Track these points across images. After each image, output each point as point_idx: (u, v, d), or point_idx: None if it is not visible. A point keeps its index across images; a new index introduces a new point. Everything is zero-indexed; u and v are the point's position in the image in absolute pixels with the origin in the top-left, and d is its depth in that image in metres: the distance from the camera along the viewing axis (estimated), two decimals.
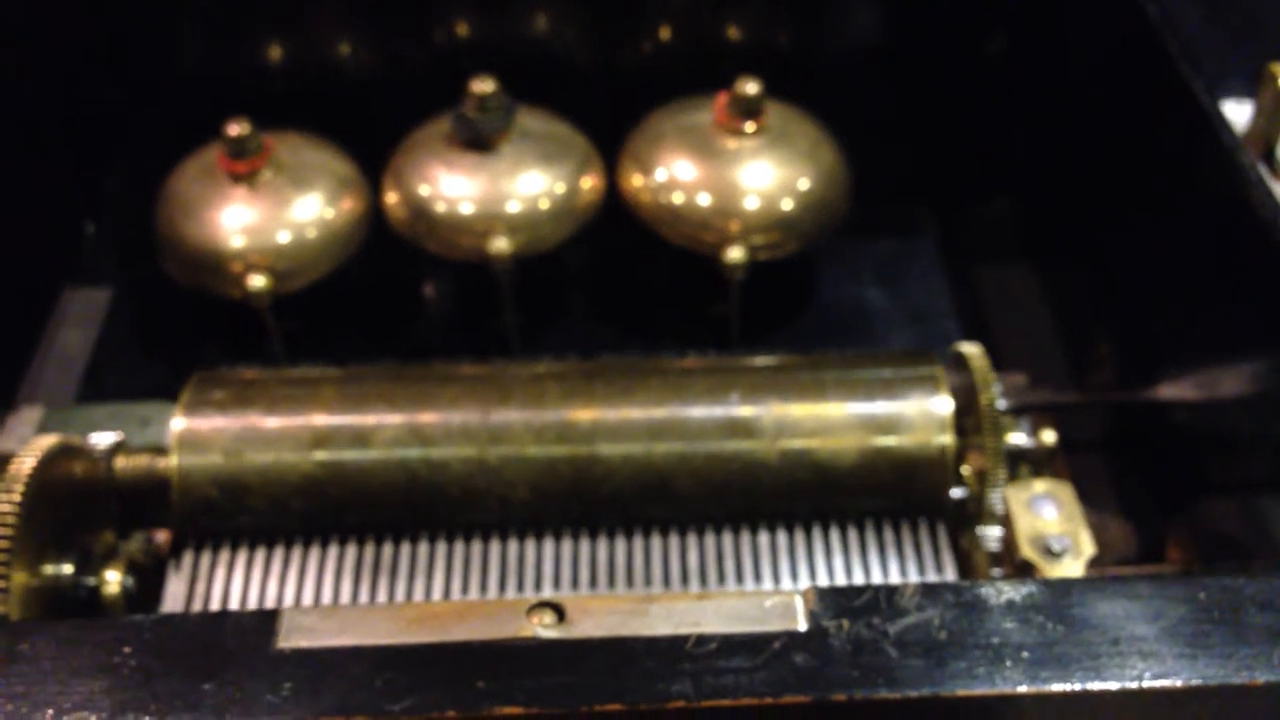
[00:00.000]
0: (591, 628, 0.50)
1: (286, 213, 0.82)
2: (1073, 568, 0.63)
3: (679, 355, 0.76)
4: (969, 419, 0.71)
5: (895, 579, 0.73)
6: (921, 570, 0.73)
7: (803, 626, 0.50)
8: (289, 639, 0.49)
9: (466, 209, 0.83)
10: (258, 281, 0.83)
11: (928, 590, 0.50)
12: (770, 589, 0.72)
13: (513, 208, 0.83)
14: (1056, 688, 0.47)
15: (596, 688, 0.48)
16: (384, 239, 0.85)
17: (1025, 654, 0.48)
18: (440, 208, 0.83)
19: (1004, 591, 0.50)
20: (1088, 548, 0.64)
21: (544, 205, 0.83)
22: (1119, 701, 0.48)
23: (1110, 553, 0.76)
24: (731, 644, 0.49)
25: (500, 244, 0.82)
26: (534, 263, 0.84)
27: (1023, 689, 0.48)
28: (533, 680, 0.48)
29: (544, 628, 0.49)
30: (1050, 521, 0.65)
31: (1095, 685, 0.48)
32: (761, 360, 0.78)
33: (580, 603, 0.50)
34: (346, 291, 0.87)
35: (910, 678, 0.48)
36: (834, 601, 0.50)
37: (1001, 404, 0.72)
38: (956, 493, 0.70)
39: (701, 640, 0.49)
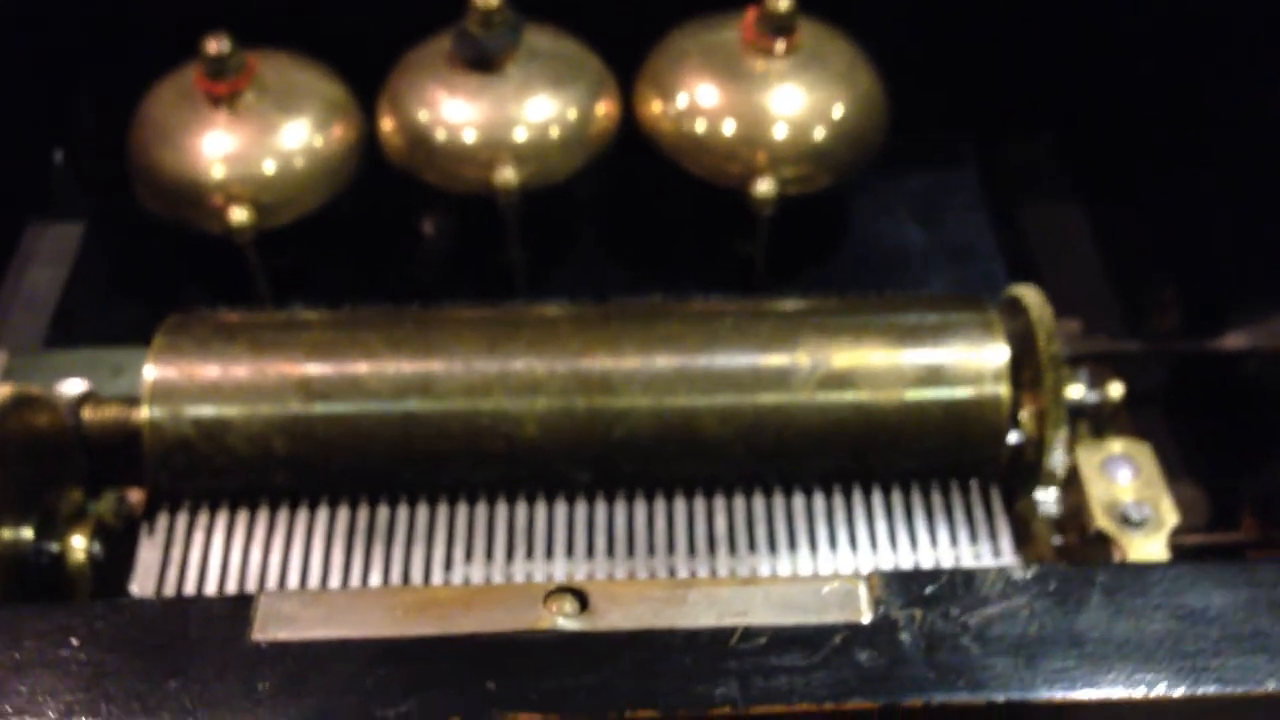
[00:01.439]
0: (619, 618, 0.41)
1: (271, 140, 0.75)
2: (1154, 541, 0.55)
3: (702, 297, 0.70)
4: (1025, 370, 0.64)
5: (944, 547, 0.65)
6: (974, 537, 0.65)
7: (867, 618, 0.42)
8: (265, 630, 0.41)
9: (469, 136, 0.75)
10: (240, 215, 0.74)
11: (1013, 575, 0.42)
12: (813, 566, 0.64)
13: (519, 135, 0.75)
14: (1170, 691, 0.39)
15: (625, 690, 0.40)
16: (379, 169, 0.78)
17: (1131, 651, 0.40)
18: (440, 135, 0.76)
19: (1103, 577, 0.42)
20: (1170, 517, 0.56)
21: (554, 133, 0.76)
22: (1241, 708, 0.40)
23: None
24: (784, 638, 0.41)
25: (506, 175, 0.74)
26: (542, 196, 0.77)
27: (1130, 693, 0.39)
28: (551, 681, 0.40)
29: (564, 618, 0.41)
30: (1127, 487, 0.57)
31: (1214, 689, 0.39)
32: (795, 302, 0.69)
33: (606, 588, 0.42)
34: (338, 227, 0.80)
35: (996, 679, 0.40)
36: (903, 587, 0.42)
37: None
38: (1013, 446, 0.63)
39: (749, 634, 0.41)
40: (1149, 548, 0.55)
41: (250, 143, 0.74)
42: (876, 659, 0.40)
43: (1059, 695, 0.39)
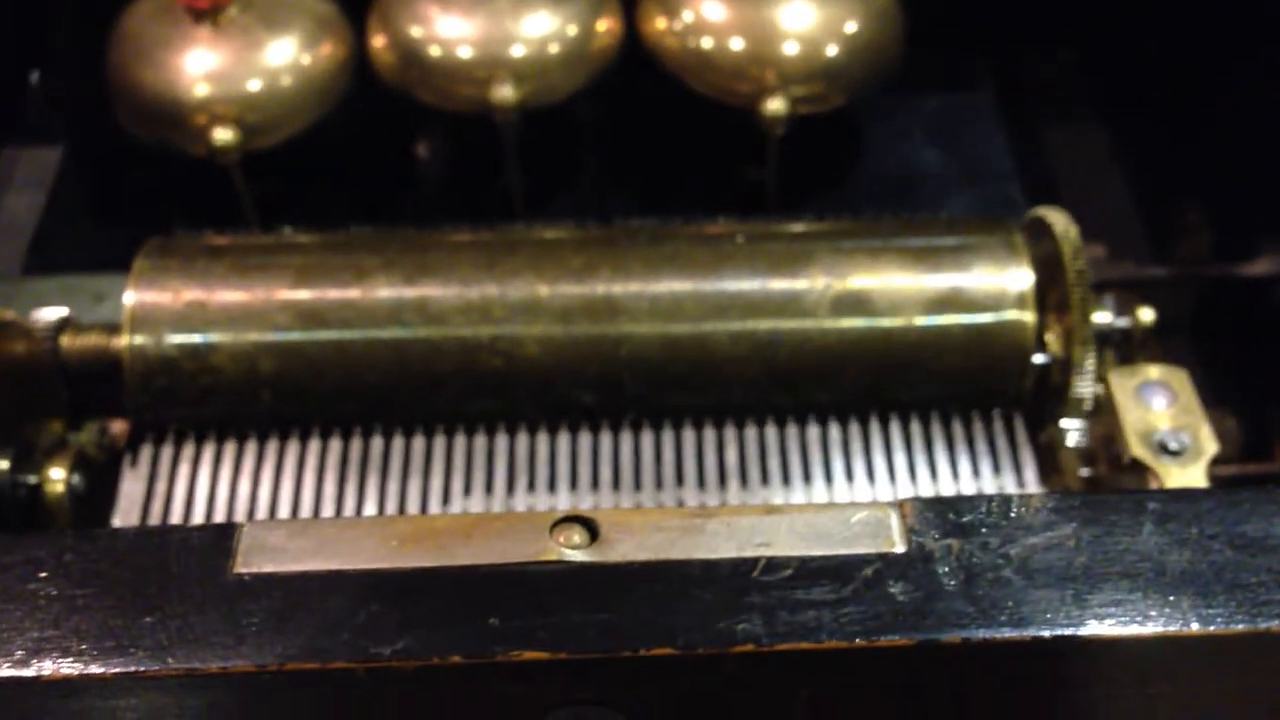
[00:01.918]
0: (633, 549, 0.38)
1: (257, 57, 0.70)
2: (1193, 470, 0.52)
3: (710, 221, 0.67)
4: (1050, 295, 0.61)
5: (966, 479, 0.62)
6: (997, 469, 0.62)
7: (900, 548, 0.38)
8: (249, 562, 0.38)
9: (465, 53, 0.72)
10: (224, 135, 0.70)
11: (1059, 501, 0.38)
12: (828, 499, 0.60)
13: (517, 52, 0.71)
14: (1230, 626, 0.36)
15: (639, 626, 0.36)
16: (370, 88, 0.74)
17: (1188, 582, 0.37)
18: (434, 51, 0.72)
19: (1155, 503, 0.38)
20: (1209, 445, 0.53)
21: (553, 49, 0.72)
22: None
23: None
24: (811, 570, 0.37)
25: (504, 93, 0.70)
26: (542, 116, 0.74)
27: (1187, 628, 0.36)
28: (558, 616, 0.36)
29: (572, 549, 0.38)
30: (1164, 414, 0.53)
31: (1278, 624, 0.36)
32: (808, 224, 0.66)
33: (617, 517, 0.38)
34: (328, 150, 0.75)
35: (1041, 614, 0.36)
36: (939, 516, 0.38)
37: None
38: (1037, 372, 0.60)
39: (773, 565, 0.38)
40: (1187, 478, 0.52)
41: (234, 60, 0.70)
42: (911, 592, 0.37)
43: (1109, 631, 0.36)
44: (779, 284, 0.62)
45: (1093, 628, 0.36)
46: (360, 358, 0.60)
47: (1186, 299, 0.72)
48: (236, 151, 0.71)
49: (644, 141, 0.83)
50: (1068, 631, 0.36)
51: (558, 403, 0.62)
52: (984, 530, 0.38)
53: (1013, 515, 0.38)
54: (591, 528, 0.39)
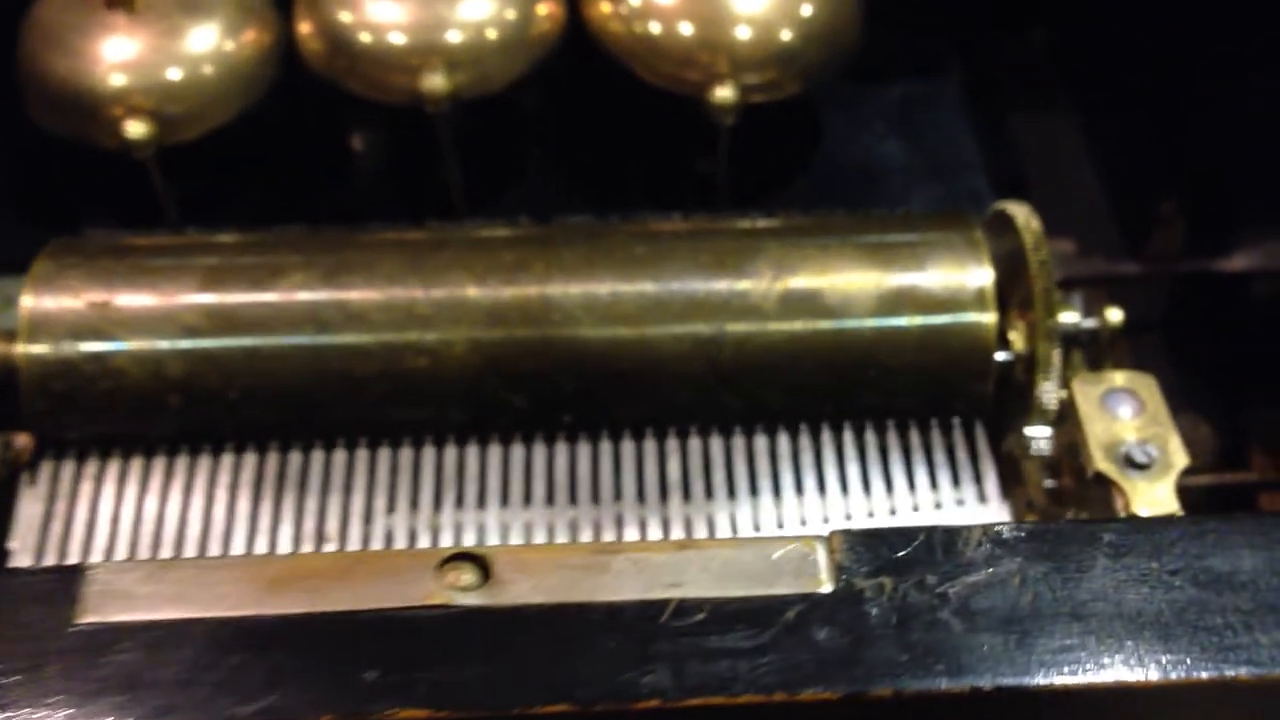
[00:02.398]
0: (529, 590, 0.34)
1: (175, 44, 0.66)
2: (1160, 485, 0.48)
3: (658, 217, 0.64)
4: (1013, 294, 0.58)
5: (923, 490, 0.58)
6: (956, 480, 0.58)
7: (827, 587, 0.34)
8: (98, 609, 0.33)
9: (395, 39, 0.67)
10: (137, 128, 0.66)
11: (1002, 533, 0.34)
12: (776, 515, 0.57)
13: (452, 38, 0.67)
14: (1192, 673, 0.32)
15: (534, 680, 0.32)
16: (299, 78, 0.69)
17: (1147, 624, 0.32)
18: (364, 38, 0.67)
19: (1110, 535, 0.34)
20: (1179, 458, 0.48)
21: (490, 35, 0.67)
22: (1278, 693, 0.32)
23: None
24: (726, 613, 0.33)
25: (436, 82, 0.66)
26: (480, 107, 0.69)
27: (1144, 676, 0.32)
28: (444, 669, 0.32)
29: (461, 591, 0.33)
30: (1130, 424, 0.49)
31: (1245, 671, 0.32)
32: (757, 220, 0.63)
33: (512, 555, 0.34)
34: (254, 144, 0.72)
35: (982, 661, 0.32)
36: (871, 550, 0.34)
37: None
38: (998, 377, 0.57)
39: (684, 608, 0.33)
40: (1155, 493, 0.48)
41: (151, 47, 0.66)
42: (838, 638, 0.33)
43: (1058, 680, 0.32)
44: (723, 280, 0.59)
45: (1040, 677, 0.32)
46: (275, 362, 0.56)
47: (1159, 297, 0.68)
48: (152, 145, 0.66)
49: (590, 133, 0.78)
50: (1012, 681, 0.32)
51: (488, 406, 0.58)
52: (920, 567, 0.34)
53: (952, 549, 0.34)
54: (484, 566, 0.34)
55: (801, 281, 0.58)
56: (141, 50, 0.66)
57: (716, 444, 0.58)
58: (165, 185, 0.69)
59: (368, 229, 0.63)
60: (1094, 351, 0.58)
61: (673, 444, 0.58)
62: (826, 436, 0.59)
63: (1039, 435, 0.57)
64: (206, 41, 0.67)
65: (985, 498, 0.57)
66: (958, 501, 0.57)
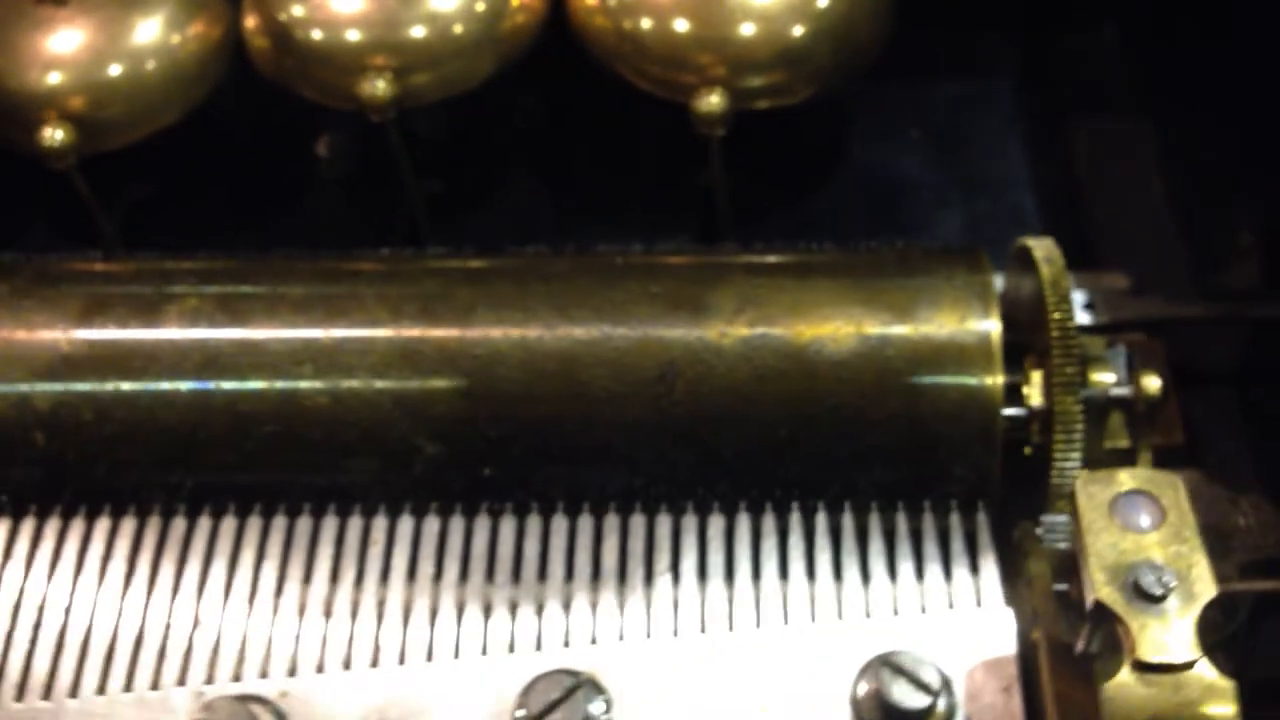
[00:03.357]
0: None
1: (110, 40, 0.60)
2: (1180, 625, 0.36)
3: (642, 246, 0.56)
4: (1034, 344, 0.49)
5: (906, 583, 0.47)
6: (947, 573, 0.48)
7: None
8: None
9: (351, 36, 0.60)
10: (55, 134, 0.59)
11: None
12: (726, 606, 0.47)
13: (414, 33, 0.59)
14: None
15: None
16: (251, 79, 0.63)
17: None
18: (313, 36, 0.60)
19: None
20: (1205, 588, 0.37)
21: (456, 31, 0.60)
22: None
23: (1244, 542, 0.50)
24: None
25: (377, 87, 0.58)
26: (447, 114, 0.65)
27: None
28: None
29: None
30: (1146, 539, 0.38)
31: None
32: (728, 254, 0.55)
33: None
34: (205, 151, 0.66)
35: None
36: None
37: (1082, 318, 0.52)
38: (1005, 451, 0.49)
39: None
40: (1171, 634, 0.36)
41: (83, 44, 0.60)
42: None
43: None
44: (677, 316, 0.50)
45: None
46: (155, 405, 0.50)
47: (1231, 345, 0.57)
48: (73, 152, 0.60)
49: (572, 142, 0.70)
50: None
51: (396, 452, 0.49)
52: None
53: None
54: None
55: (768, 319, 0.50)
56: (72, 46, 0.60)
57: (664, 522, 0.49)
58: (105, 197, 0.63)
59: (323, 252, 0.56)
60: (1132, 419, 0.47)
61: (611, 520, 0.49)
62: (794, 514, 0.49)
63: (1055, 525, 0.46)
64: (147, 35, 0.61)
65: (981, 600, 0.46)
66: (947, 601, 0.46)
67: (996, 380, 0.48)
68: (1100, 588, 0.38)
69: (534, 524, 0.49)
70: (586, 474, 0.50)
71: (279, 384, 0.50)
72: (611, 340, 0.50)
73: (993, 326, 0.48)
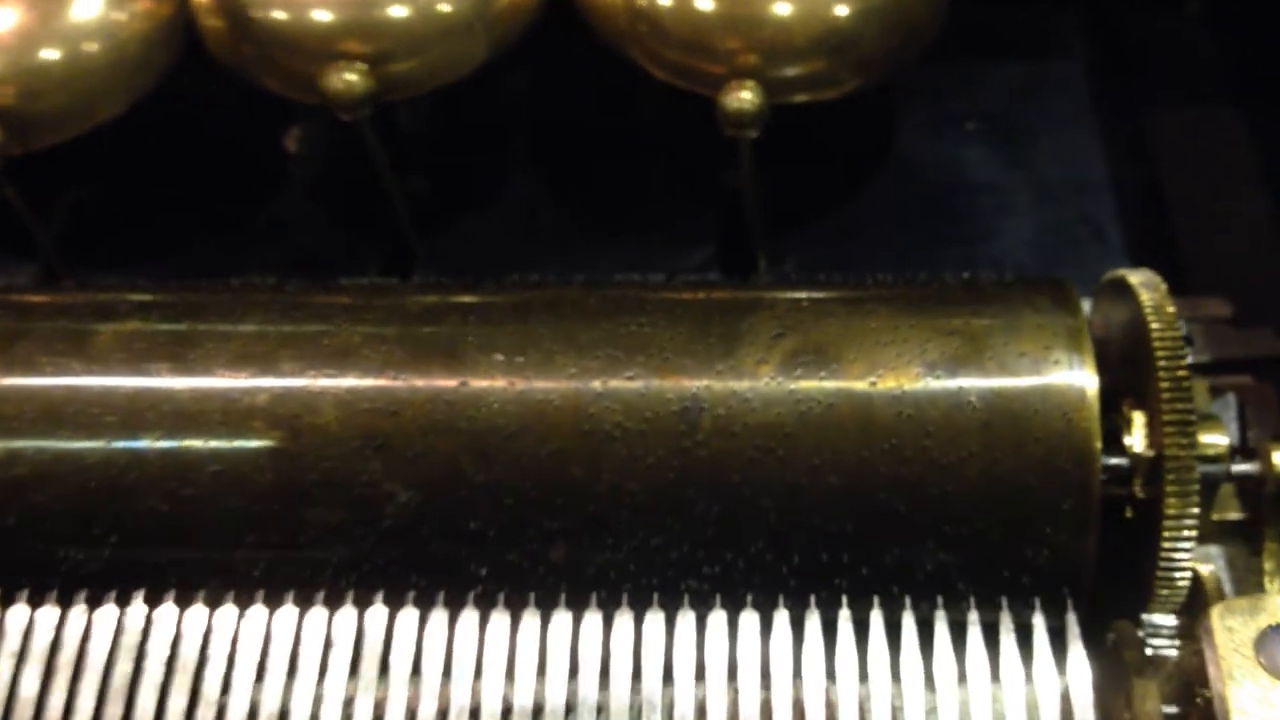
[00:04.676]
0: None
1: (42, 21, 0.54)
2: None
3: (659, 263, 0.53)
4: (1129, 388, 0.42)
5: (978, 688, 0.39)
6: (1028, 676, 0.39)
7: None
8: None
9: (319, 17, 0.52)
10: None
11: None
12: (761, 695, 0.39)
13: (392, 14, 0.52)
14: None
15: None
16: (208, 63, 0.56)
17: None
18: (274, 17, 0.53)
19: None
20: None
21: (441, 11, 0.53)
22: None
23: None
24: None
25: (352, 81, 0.52)
26: (433, 105, 0.59)
27: None
28: None
29: None
30: None
31: None
32: (766, 291, 0.46)
33: None
34: (155, 149, 0.60)
35: None
36: None
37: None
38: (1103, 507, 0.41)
39: None
40: None
41: (14, 24, 0.54)
42: None
43: None
44: (706, 341, 0.43)
45: None
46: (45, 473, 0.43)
47: None
48: None
49: (585, 140, 0.62)
50: None
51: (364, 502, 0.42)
52: None
53: None
54: None
55: (814, 347, 0.42)
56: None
57: (681, 623, 0.40)
58: (39, 204, 0.58)
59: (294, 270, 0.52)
60: (1254, 510, 0.38)
61: (587, 619, 0.40)
62: (839, 605, 0.40)
63: (1161, 629, 0.40)
64: (85, 15, 0.55)
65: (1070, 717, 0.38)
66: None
67: (1095, 449, 0.39)
68: None
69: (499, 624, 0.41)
70: (589, 528, 0.42)
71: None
72: (625, 369, 0.42)
73: (1091, 381, 0.40)
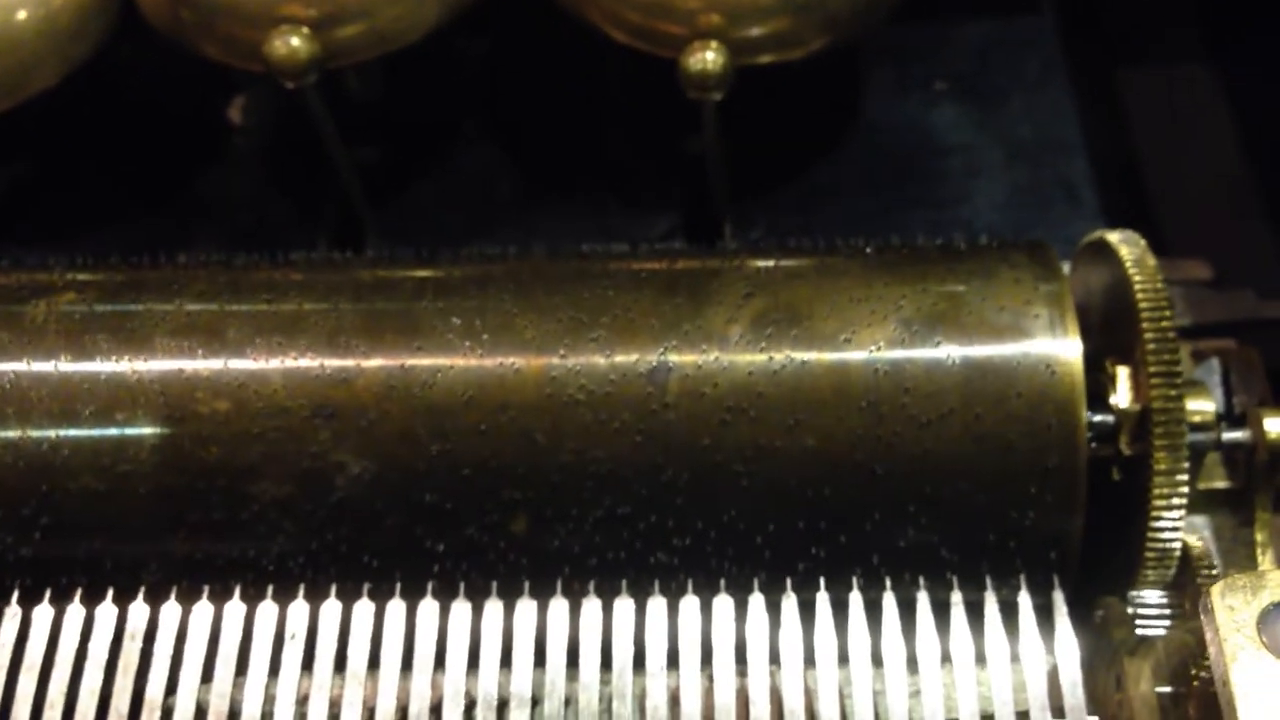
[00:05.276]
0: None
1: None
2: None
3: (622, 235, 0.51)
4: (1112, 358, 0.40)
5: (963, 667, 0.36)
6: (1014, 655, 0.36)
7: None
8: None
9: None
10: None
11: None
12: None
13: None
14: None
15: None
16: (146, 31, 0.53)
17: None
18: None
19: None
20: None
21: None
22: None
23: None
24: None
25: (295, 46, 0.49)
26: (383, 71, 0.54)
27: None
28: None
29: None
30: None
31: None
32: (737, 259, 0.43)
33: None
34: (91, 122, 0.57)
35: None
36: None
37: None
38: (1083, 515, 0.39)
39: None
40: None
41: None
42: None
43: None
44: (675, 299, 0.41)
45: None
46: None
47: None
48: None
49: (545, 108, 0.60)
50: None
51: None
52: None
53: None
54: None
55: (787, 306, 0.40)
56: None
57: (655, 608, 0.37)
58: None
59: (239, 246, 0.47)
60: (1242, 477, 0.37)
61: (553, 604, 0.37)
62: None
63: (1151, 605, 0.38)
64: None
65: (1060, 703, 0.36)
66: (1010, 699, 0.36)
67: (1080, 420, 0.37)
68: None
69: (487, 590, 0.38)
70: (557, 501, 0.39)
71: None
72: (589, 331, 0.40)
73: (1074, 349, 0.38)
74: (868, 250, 0.43)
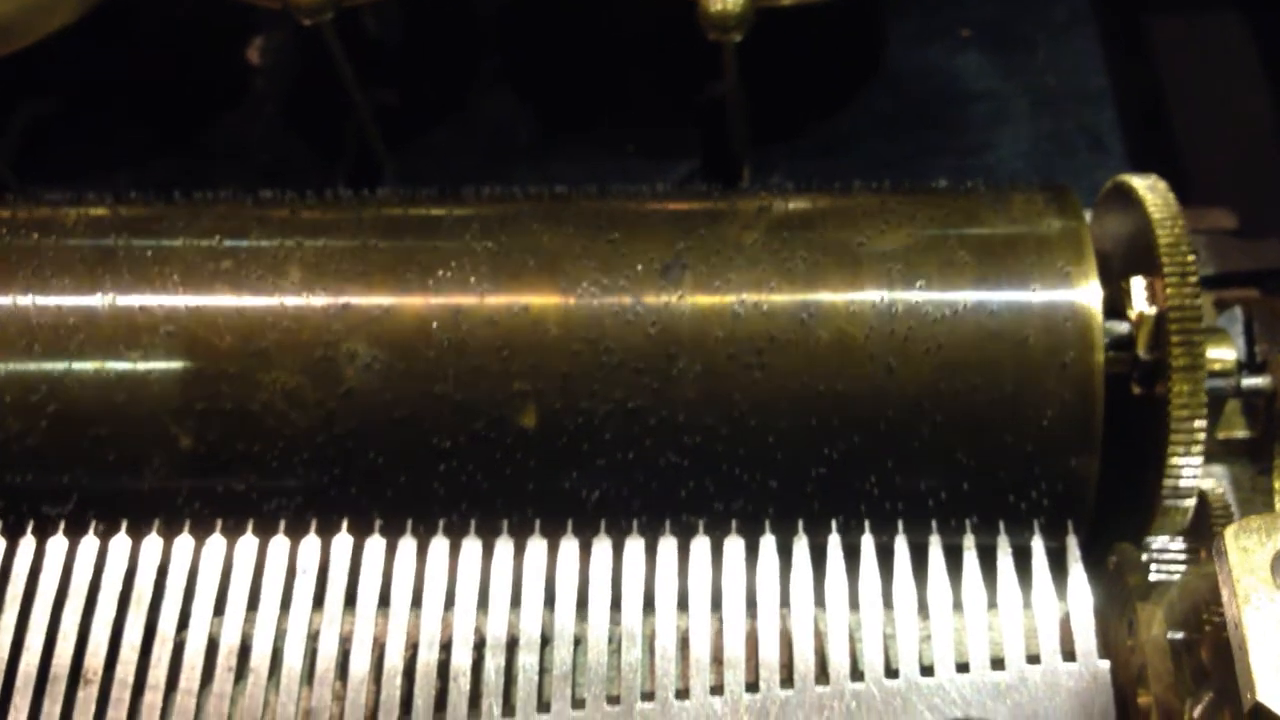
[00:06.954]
0: None
1: None
2: None
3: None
4: (1136, 314, 0.38)
5: (974, 612, 0.36)
6: (1027, 601, 0.36)
7: None
8: None
9: None
10: None
11: None
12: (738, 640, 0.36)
13: None
14: None
15: None
16: None
17: None
18: None
19: None
20: None
21: None
22: None
23: None
24: None
25: None
26: (403, 11, 0.54)
27: None
28: None
29: None
30: None
31: None
32: (756, 200, 0.41)
33: None
34: (112, 60, 0.55)
35: None
36: None
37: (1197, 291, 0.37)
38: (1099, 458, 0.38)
39: None
40: None
41: None
42: None
43: None
44: (689, 212, 0.40)
45: None
46: None
47: None
48: None
49: (556, 46, 0.58)
50: None
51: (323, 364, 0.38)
52: None
53: None
54: None
55: (801, 217, 0.40)
56: None
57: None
58: None
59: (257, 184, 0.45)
60: (1262, 425, 0.36)
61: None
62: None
63: (1165, 551, 0.37)
64: None
65: (1070, 640, 0.35)
66: (1021, 645, 0.35)
67: (1098, 363, 0.36)
68: (1262, 692, 0.27)
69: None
70: (567, 392, 0.38)
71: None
72: (606, 233, 0.39)
73: (1094, 294, 0.37)
74: (884, 188, 0.42)
